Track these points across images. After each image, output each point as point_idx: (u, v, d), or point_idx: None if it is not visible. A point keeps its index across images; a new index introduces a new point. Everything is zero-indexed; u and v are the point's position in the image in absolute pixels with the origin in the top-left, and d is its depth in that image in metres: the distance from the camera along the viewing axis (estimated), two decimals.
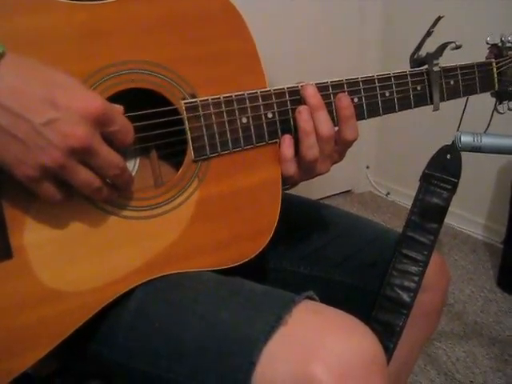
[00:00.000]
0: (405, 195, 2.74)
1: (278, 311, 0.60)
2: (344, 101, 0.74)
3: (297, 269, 0.92)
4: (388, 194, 2.88)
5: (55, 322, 0.64)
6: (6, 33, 0.59)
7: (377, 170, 2.90)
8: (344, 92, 0.76)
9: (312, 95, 0.72)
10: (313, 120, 0.72)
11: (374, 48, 2.65)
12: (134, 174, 0.74)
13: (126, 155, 0.73)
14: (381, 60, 2.65)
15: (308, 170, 0.75)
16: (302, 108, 0.72)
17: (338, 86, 0.76)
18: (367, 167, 2.89)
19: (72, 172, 0.57)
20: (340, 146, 0.75)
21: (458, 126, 0.91)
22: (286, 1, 2.22)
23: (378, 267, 0.88)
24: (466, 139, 0.77)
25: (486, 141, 0.77)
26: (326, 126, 0.72)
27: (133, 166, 0.74)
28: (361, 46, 2.63)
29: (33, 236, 0.62)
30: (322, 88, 0.74)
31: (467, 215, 2.41)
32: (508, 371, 1.65)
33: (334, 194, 2.82)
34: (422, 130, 2.17)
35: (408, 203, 2.71)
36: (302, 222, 0.95)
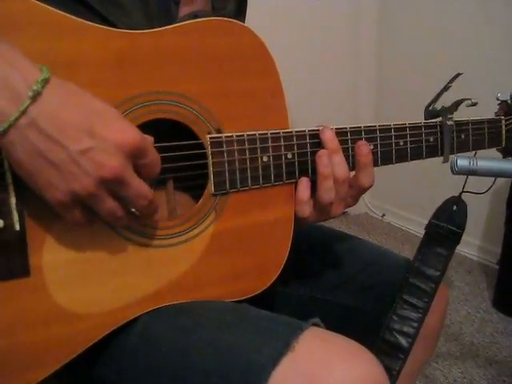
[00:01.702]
0: (400, 217, 2.76)
1: (286, 338, 0.61)
2: (364, 149, 0.76)
3: (297, 292, 0.94)
4: (383, 215, 2.90)
5: (64, 342, 0.64)
6: (45, 54, 0.61)
7: (372, 192, 2.87)
8: (362, 139, 0.78)
9: (331, 139, 0.75)
10: (333, 162, 0.74)
11: (366, 92, 2.77)
12: None
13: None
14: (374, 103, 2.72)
15: (322, 212, 0.76)
16: (322, 153, 0.74)
17: (356, 133, 0.78)
18: None
19: (100, 201, 0.58)
20: (355, 191, 0.77)
21: (464, 184, 0.92)
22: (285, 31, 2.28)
23: (377, 289, 0.91)
24: (462, 163, 0.78)
25: (482, 164, 0.78)
26: (342, 168, 0.75)
27: None
28: (355, 90, 2.74)
29: (51, 256, 0.63)
30: (340, 133, 0.77)
31: (463, 236, 2.40)
32: None
33: None
34: None
35: (403, 224, 2.75)
36: (301, 245, 0.97)
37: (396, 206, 2.80)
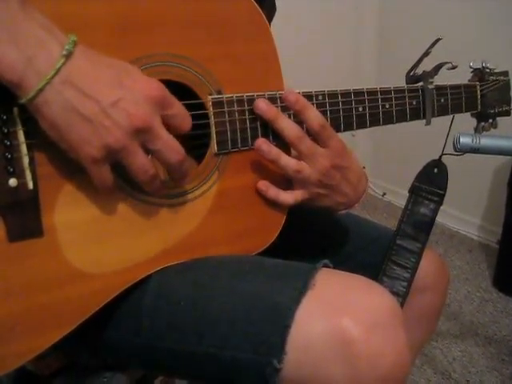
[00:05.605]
0: (401, 195, 2.74)
1: (303, 278, 0.64)
2: (290, 98, 0.74)
3: None
4: (384, 194, 2.93)
5: (79, 302, 0.65)
6: (51, 17, 0.61)
7: (373, 171, 2.89)
8: (352, 102, 0.81)
9: (265, 110, 0.74)
10: (276, 128, 0.74)
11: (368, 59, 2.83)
12: None
13: None
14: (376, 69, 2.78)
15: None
16: (259, 143, 0.74)
17: (346, 95, 0.81)
18: (363, 167, 2.91)
19: (132, 154, 0.59)
20: (320, 142, 0.75)
21: (444, 146, 0.96)
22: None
23: (377, 267, 0.92)
24: (464, 140, 0.78)
25: (485, 142, 0.78)
26: (286, 132, 0.74)
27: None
28: (356, 61, 2.80)
29: (63, 216, 0.64)
30: (331, 95, 0.80)
31: (463, 216, 2.44)
32: (504, 371, 1.69)
33: None
34: (417, 131, 2.26)
35: (404, 203, 2.77)
36: (302, 222, 0.98)
37: (396, 184, 2.80)
